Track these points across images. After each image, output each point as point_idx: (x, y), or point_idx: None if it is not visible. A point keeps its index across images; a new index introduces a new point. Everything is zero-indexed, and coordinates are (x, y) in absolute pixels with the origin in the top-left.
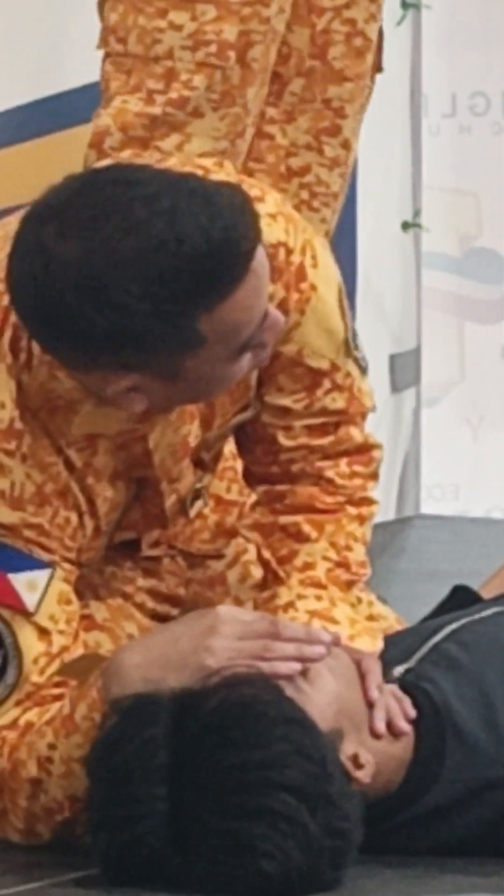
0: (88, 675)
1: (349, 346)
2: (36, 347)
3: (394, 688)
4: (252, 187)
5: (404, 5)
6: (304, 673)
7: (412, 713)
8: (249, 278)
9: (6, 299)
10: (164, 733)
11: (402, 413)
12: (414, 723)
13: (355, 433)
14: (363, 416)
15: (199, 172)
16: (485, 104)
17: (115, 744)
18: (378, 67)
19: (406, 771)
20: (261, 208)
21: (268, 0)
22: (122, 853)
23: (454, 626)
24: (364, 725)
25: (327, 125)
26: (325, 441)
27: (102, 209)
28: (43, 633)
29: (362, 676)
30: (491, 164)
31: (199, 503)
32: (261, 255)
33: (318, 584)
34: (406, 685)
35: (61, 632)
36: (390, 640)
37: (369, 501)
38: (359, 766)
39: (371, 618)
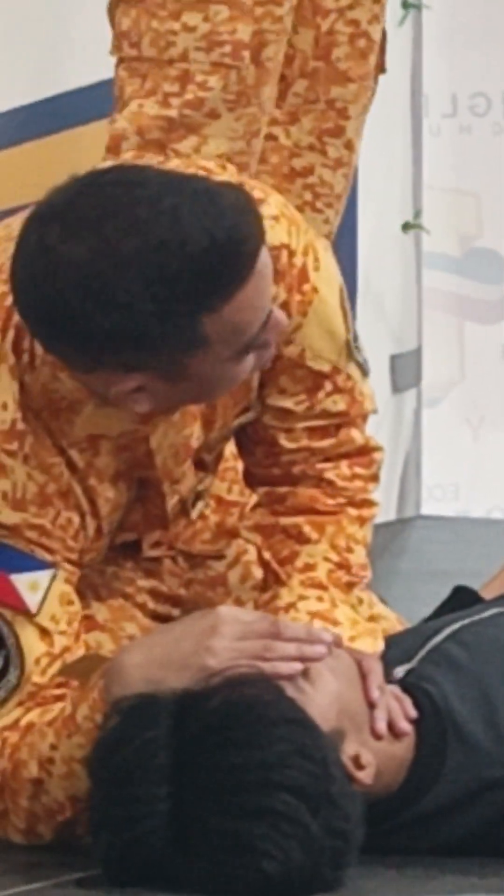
0: (90, 676)
1: (350, 348)
2: (39, 348)
3: (395, 688)
4: (254, 189)
5: (405, 6)
6: (305, 673)
7: (413, 713)
8: (253, 279)
9: (9, 300)
10: (166, 734)
11: (403, 413)
12: (415, 723)
13: (356, 435)
14: (364, 418)
15: (202, 173)
16: (485, 104)
17: (117, 744)
18: (381, 68)
19: (407, 771)
20: (263, 210)
21: None
22: (123, 853)
23: (455, 626)
24: (365, 726)
25: (331, 126)
26: (325, 443)
27: (105, 210)
28: (45, 633)
29: (363, 677)
30: (491, 165)
31: (200, 504)
32: (264, 255)
33: (320, 586)
34: (407, 685)
35: (63, 632)
36: (391, 640)
37: (370, 503)
38: (360, 766)
39: (372, 618)
